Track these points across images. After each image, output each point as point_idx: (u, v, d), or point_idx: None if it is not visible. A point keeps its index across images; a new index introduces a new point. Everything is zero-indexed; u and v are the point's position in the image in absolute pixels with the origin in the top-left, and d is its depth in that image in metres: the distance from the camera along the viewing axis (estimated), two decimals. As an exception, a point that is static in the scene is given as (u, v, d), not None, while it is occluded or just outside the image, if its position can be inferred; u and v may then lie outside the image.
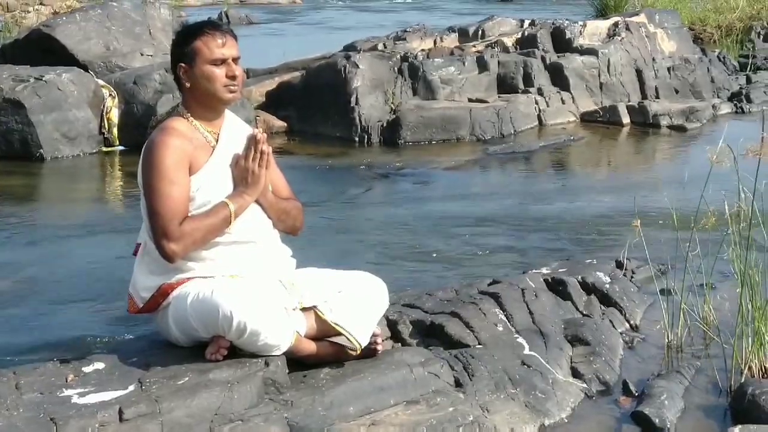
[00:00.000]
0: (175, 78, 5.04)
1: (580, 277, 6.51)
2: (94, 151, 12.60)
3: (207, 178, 4.82)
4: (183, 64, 4.91)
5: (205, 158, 4.86)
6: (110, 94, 12.89)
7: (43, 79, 12.42)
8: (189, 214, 4.74)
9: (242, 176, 4.88)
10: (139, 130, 11.61)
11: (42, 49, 14.32)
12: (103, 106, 12.80)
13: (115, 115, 12.81)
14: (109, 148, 12.71)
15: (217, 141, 4.95)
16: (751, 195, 5.49)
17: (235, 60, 4.94)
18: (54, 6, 30.81)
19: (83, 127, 12.53)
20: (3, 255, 8.31)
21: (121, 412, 4.16)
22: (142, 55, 14.84)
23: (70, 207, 10.47)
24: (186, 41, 4.93)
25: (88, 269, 6.74)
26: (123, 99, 12.89)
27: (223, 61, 4.88)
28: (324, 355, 4.88)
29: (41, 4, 32.67)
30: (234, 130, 5.03)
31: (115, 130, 12.77)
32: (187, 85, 4.93)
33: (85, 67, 13.77)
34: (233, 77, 4.90)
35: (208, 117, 4.96)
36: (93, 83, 12.94)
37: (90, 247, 5.79)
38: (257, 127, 5.18)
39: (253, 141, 4.93)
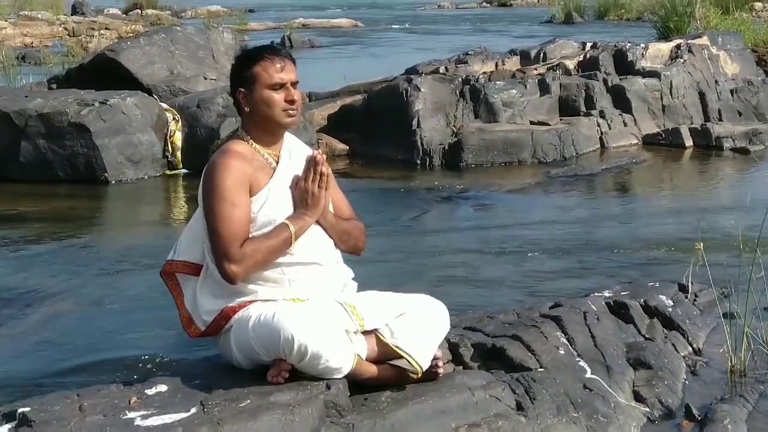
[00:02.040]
0: (234, 102, 5.06)
1: (642, 300, 6.46)
2: (158, 174, 12.67)
3: (267, 200, 4.84)
4: (242, 89, 4.94)
5: (266, 180, 4.88)
6: (174, 118, 12.96)
7: (108, 103, 12.50)
8: (250, 236, 4.76)
9: (302, 197, 4.90)
10: (202, 154, 11.56)
11: (107, 73, 14.41)
12: (167, 130, 12.87)
13: (178, 139, 12.87)
14: (173, 172, 12.78)
15: (277, 163, 4.97)
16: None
17: (294, 84, 4.95)
18: (118, 31, 31.10)
19: (147, 150, 12.60)
20: (68, 277, 8.37)
21: (183, 435, 4.17)
22: (205, 78, 14.90)
23: (134, 230, 10.55)
24: (245, 66, 4.96)
25: (150, 292, 6.76)
26: (186, 122, 12.95)
27: (281, 86, 4.90)
28: (385, 378, 4.87)
29: (106, 28, 33.01)
30: (294, 152, 5.05)
31: (178, 154, 12.84)
32: (247, 109, 4.96)
33: (149, 91, 13.84)
34: (292, 101, 4.92)
35: (268, 140, 4.99)
36: (157, 107, 13.02)
37: (153, 271, 5.82)
38: (318, 150, 5.17)
39: (312, 162, 4.95)
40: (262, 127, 4.98)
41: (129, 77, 14.28)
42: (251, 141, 4.99)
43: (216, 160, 4.88)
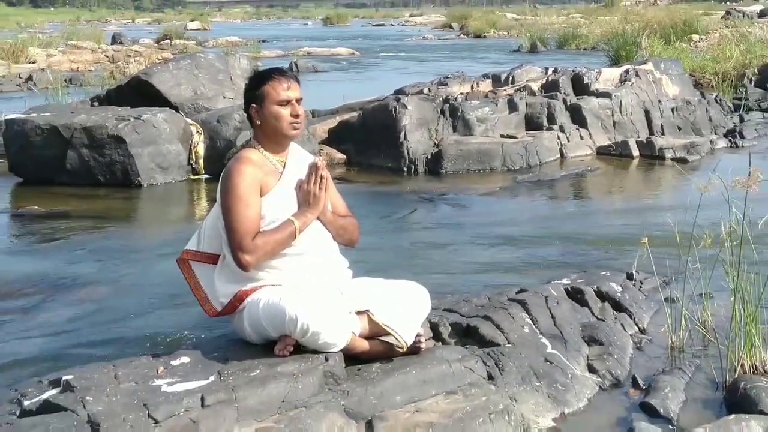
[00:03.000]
0: (247, 116, 5.07)
1: (595, 286, 6.47)
2: (184, 179, 12.66)
3: (275, 199, 4.85)
4: (254, 105, 4.96)
5: (274, 182, 4.89)
6: (197, 131, 12.95)
7: (141, 118, 12.49)
8: (260, 230, 4.76)
9: (305, 198, 4.91)
10: (221, 161, 11.60)
11: (140, 93, 14.40)
12: (191, 141, 12.86)
13: (201, 149, 12.87)
14: (196, 176, 12.77)
15: (284, 168, 4.98)
16: (741, 218, 5.44)
17: (299, 101, 4.97)
18: (151, 57, 31.14)
19: (174, 158, 12.59)
20: (106, 266, 8.36)
21: (203, 399, 4.18)
22: (224, 98, 14.88)
23: (163, 226, 10.53)
24: (256, 85, 4.98)
25: (177, 279, 6.70)
26: (208, 135, 12.94)
27: (288, 102, 4.92)
28: (375, 352, 4.88)
29: (140, 56, 33.08)
30: (298, 159, 5.06)
31: (201, 161, 12.84)
32: (258, 122, 4.98)
33: (176, 108, 13.84)
34: (297, 116, 4.95)
35: (276, 149, 5.00)
36: (183, 122, 13.00)
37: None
38: (319, 157, 5.18)
39: (314, 167, 4.96)
40: (271, 137, 5.00)
41: (159, 96, 14.26)
42: (262, 149, 5.01)
43: (232, 166, 4.90)
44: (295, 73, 5.18)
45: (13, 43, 32.96)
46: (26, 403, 4.29)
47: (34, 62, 30.90)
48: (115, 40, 42.55)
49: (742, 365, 5.26)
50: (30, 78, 26.27)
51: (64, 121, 12.43)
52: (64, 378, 4.40)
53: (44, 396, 4.29)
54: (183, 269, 5.18)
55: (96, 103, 15.36)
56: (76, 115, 12.77)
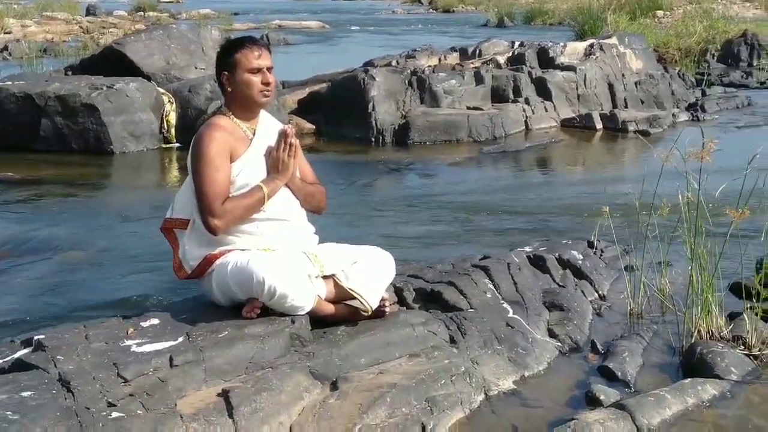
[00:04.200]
0: (219, 84, 5.05)
1: (557, 254, 6.49)
2: (155, 147, 12.64)
3: (245, 165, 4.84)
4: (226, 72, 4.93)
5: (244, 149, 4.88)
6: (169, 101, 12.93)
7: (114, 87, 12.47)
8: (230, 195, 4.76)
9: (274, 164, 4.89)
10: (193, 130, 11.39)
11: (113, 62, 14.36)
12: (163, 110, 12.84)
13: (173, 118, 12.86)
14: (168, 145, 12.77)
15: (254, 135, 4.96)
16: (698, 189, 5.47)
17: (269, 69, 4.94)
18: (125, 28, 30.96)
19: (146, 127, 12.57)
20: (79, 231, 8.35)
21: (171, 359, 4.17)
22: (196, 68, 14.89)
23: (135, 193, 10.51)
24: (228, 53, 4.95)
25: (147, 243, 6.75)
26: (180, 104, 12.93)
27: (259, 70, 4.89)
28: (341, 315, 4.89)
29: (114, 27, 32.88)
30: (268, 126, 5.05)
31: (172, 130, 12.84)
32: (229, 90, 4.95)
33: (148, 78, 13.84)
34: (267, 84, 4.91)
35: (246, 116, 4.98)
36: (155, 91, 12.97)
37: (150, 226, 5.83)
38: (289, 125, 5.17)
39: (283, 135, 4.94)
40: (242, 104, 4.97)
41: (132, 66, 14.26)
42: (232, 116, 4.98)
43: (203, 132, 4.88)
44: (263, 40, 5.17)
45: (-12, 14, 32.72)
46: (-1, 361, 4.29)
47: (9, 33, 30.67)
48: (90, 11, 42.16)
49: (699, 331, 5.30)
50: (5, 48, 26.05)
51: (38, 90, 12.39)
52: (36, 338, 4.39)
53: (16, 355, 4.28)
54: (168, 237, 5.14)
55: (70, 73, 15.31)
56: (50, 83, 12.74)
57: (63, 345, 4.28)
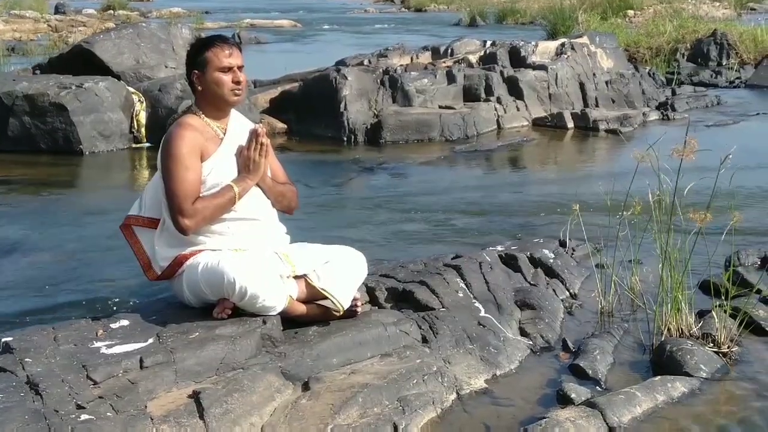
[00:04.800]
0: (189, 83, 5.05)
1: (528, 253, 6.51)
2: (126, 147, 12.58)
3: (216, 165, 4.84)
4: (196, 71, 4.94)
5: (215, 148, 4.88)
6: (139, 100, 12.89)
7: (83, 86, 12.40)
8: (200, 195, 4.75)
9: (245, 164, 4.90)
10: (163, 130, 11.28)
11: (83, 61, 14.28)
12: (133, 110, 12.79)
13: (143, 117, 12.81)
14: (138, 145, 12.71)
15: (224, 134, 4.96)
16: (670, 188, 5.50)
17: (240, 68, 4.95)
18: (94, 27, 30.83)
19: (116, 127, 12.51)
20: (48, 231, 8.30)
21: (141, 361, 4.18)
22: (166, 67, 14.82)
23: (104, 193, 10.45)
24: (199, 52, 4.95)
25: (116, 244, 6.68)
26: (150, 104, 12.88)
27: (229, 69, 4.90)
28: (313, 315, 4.90)
29: (83, 25, 32.73)
30: (239, 126, 5.05)
31: (143, 130, 12.78)
32: (200, 88, 4.95)
33: (118, 77, 13.76)
34: (238, 83, 4.92)
35: (217, 115, 4.98)
36: (125, 90, 12.92)
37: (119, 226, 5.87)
38: (260, 124, 5.17)
39: (254, 134, 4.95)
40: (213, 104, 4.98)
41: (101, 65, 14.17)
42: (203, 116, 4.99)
43: (173, 131, 4.88)
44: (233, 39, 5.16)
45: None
46: (-34, 364, 4.26)
47: (-24, 31, 30.50)
48: (59, 9, 41.97)
49: (669, 329, 5.34)
50: (-28, 47, 25.91)
51: (5, 89, 12.30)
52: (4, 340, 4.38)
53: (-17, 357, 4.27)
54: (126, 234, 5.13)
55: (38, 72, 15.23)
56: (18, 82, 12.64)
57: (31, 347, 4.27)
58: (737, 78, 20.45)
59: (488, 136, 13.87)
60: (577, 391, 4.63)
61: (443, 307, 5.34)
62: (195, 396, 4.00)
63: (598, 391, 4.74)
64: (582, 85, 16.05)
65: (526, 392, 4.75)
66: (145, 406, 3.87)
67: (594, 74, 16.60)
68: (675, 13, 28.50)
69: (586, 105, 15.71)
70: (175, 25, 17.06)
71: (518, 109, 14.90)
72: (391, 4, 59.61)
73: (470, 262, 5.98)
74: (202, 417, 3.87)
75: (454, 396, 4.62)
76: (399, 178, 11.04)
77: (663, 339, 5.26)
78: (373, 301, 5.48)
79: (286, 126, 13.96)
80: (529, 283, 6.13)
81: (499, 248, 6.64)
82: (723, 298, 5.61)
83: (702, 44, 23.15)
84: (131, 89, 13.11)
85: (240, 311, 4.69)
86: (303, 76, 15.24)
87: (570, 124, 14.52)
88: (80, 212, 9.21)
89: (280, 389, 4.28)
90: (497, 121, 14.45)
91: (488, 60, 16.18)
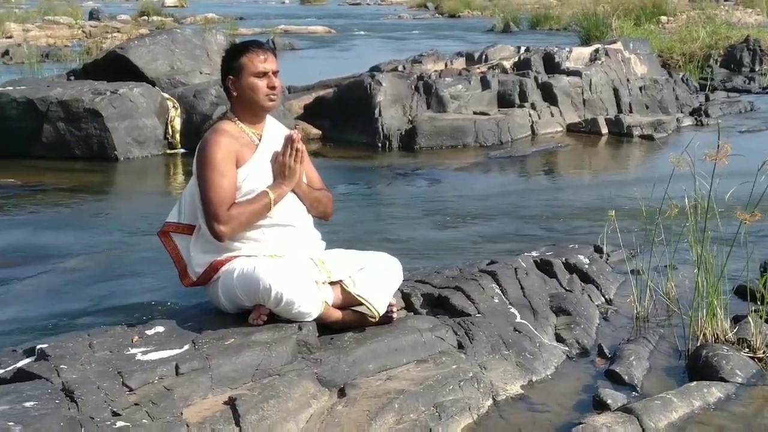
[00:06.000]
0: (224, 88, 5.05)
1: (564, 258, 6.49)
2: (160, 153, 12.63)
3: (251, 171, 4.84)
4: (231, 77, 4.93)
5: (250, 154, 4.87)
6: (174, 106, 12.92)
7: (118, 92, 12.46)
8: (236, 201, 4.76)
9: (280, 170, 4.90)
10: (198, 136, 11.33)
11: (117, 67, 14.34)
12: (168, 116, 12.83)
13: (177, 123, 12.84)
14: (173, 151, 12.74)
15: (260, 140, 4.96)
16: (706, 192, 5.47)
17: (275, 73, 4.95)
18: (128, 33, 30.97)
19: (151, 133, 12.56)
20: (83, 238, 8.34)
21: (177, 368, 4.16)
22: (201, 73, 14.85)
23: (139, 199, 10.49)
24: (234, 57, 4.95)
25: (151, 250, 6.73)
26: (184, 110, 12.91)
27: (264, 74, 4.89)
28: (348, 321, 4.88)
29: (118, 31, 32.89)
30: (274, 132, 5.05)
31: (177, 136, 12.81)
32: (235, 94, 4.95)
33: (153, 83, 13.79)
34: (273, 88, 4.92)
35: (252, 121, 4.98)
36: (159, 96, 12.97)
37: (154, 232, 5.81)
38: (295, 130, 5.17)
39: (289, 140, 4.95)
40: (248, 109, 4.97)
41: (136, 71, 14.21)
42: (238, 121, 4.99)
43: (208, 137, 4.88)
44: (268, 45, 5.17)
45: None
46: (0, 371, 4.26)
47: (10, 37, 30.68)
48: (93, 15, 42.19)
49: (704, 334, 5.31)
50: (6, 52, 25.99)
51: (40, 95, 12.36)
52: (39, 347, 4.37)
53: (18, 364, 4.25)
54: (164, 240, 5.13)
55: (72, 78, 15.29)
56: (53, 88, 12.70)
57: (66, 354, 4.27)
58: (770, 84, 20.35)
59: (522, 141, 13.85)
60: (613, 396, 4.61)
61: (479, 313, 5.32)
62: (231, 402, 4.00)
63: (634, 396, 4.72)
64: (616, 91, 15.98)
65: (562, 398, 4.72)
66: (181, 413, 3.87)
67: (628, 80, 16.53)
68: (708, 19, 28.32)
69: (620, 111, 15.64)
70: (210, 31, 17.11)
71: (552, 115, 14.86)
72: (425, 10, 59.59)
73: (506, 268, 5.96)
74: (238, 423, 3.87)
75: (490, 402, 4.61)
76: (434, 184, 11.03)
77: (698, 344, 5.23)
78: (409, 307, 5.47)
79: (320, 132, 13.98)
80: (565, 288, 6.11)
81: (534, 254, 6.61)
82: (759, 303, 5.57)
83: (735, 50, 23.02)
84: (166, 95, 13.15)
85: (275, 317, 4.68)
86: (337, 82, 15.26)
87: (604, 130, 14.47)
88: (114, 219, 9.25)
89: (316, 395, 4.27)
90: (531, 126, 14.42)
91: (522, 66, 16.16)
